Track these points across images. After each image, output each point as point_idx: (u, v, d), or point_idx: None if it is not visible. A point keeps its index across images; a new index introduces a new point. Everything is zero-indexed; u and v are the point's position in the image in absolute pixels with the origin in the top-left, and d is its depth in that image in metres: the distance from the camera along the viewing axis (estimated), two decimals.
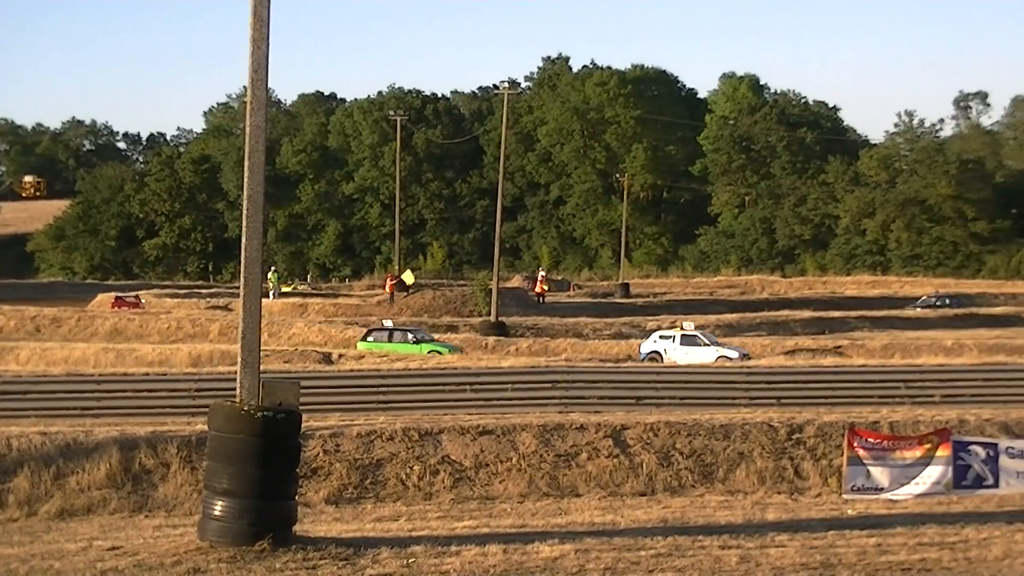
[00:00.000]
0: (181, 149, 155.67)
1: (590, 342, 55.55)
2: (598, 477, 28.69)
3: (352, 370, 42.06)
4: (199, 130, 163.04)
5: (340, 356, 48.62)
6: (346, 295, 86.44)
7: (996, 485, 27.59)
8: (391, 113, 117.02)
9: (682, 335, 51.45)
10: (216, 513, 18.57)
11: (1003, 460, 27.68)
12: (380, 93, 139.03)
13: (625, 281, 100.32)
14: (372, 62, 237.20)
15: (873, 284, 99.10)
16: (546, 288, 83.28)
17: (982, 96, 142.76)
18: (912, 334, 60.09)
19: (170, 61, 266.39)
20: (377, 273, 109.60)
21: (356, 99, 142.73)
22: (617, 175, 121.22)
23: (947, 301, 79.75)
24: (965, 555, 21.15)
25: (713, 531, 22.87)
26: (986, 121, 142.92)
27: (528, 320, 65.66)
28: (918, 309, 77.08)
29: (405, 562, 19.02)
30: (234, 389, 19.30)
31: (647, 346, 51.61)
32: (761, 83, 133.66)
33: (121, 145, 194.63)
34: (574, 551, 20.31)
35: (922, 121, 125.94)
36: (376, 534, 22.23)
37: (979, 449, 27.83)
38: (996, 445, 28.07)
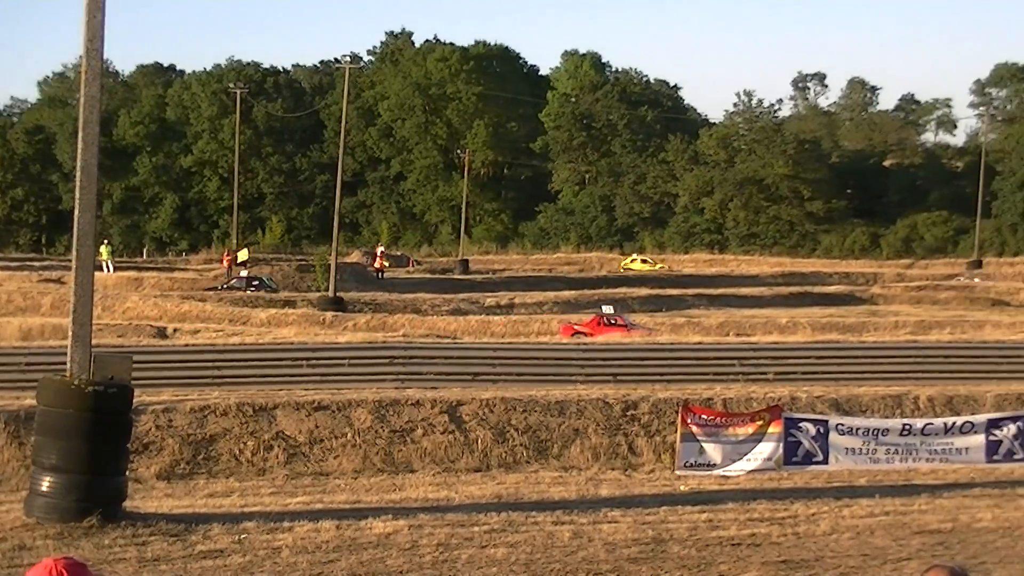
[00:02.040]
0: (14, 119, 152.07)
1: (428, 318, 55.40)
2: (433, 453, 28.60)
3: (187, 345, 41.49)
4: (33, 100, 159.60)
5: (175, 331, 47.95)
6: (183, 269, 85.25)
7: (825, 461, 28.00)
8: (231, 86, 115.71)
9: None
10: (43, 489, 18.21)
11: (833, 437, 28.09)
12: (219, 65, 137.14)
13: (464, 257, 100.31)
14: (212, 34, 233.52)
15: (710, 262, 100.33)
16: (385, 264, 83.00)
17: (820, 77, 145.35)
18: (748, 312, 60.88)
19: (2, 29, 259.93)
20: (215, 247, 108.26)
21: (195, 71, 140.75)
22: (458, 151, 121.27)
23: None
24: (794, 530, 21.42)
25: (547, 507, 22.92)
26: (823, 102, 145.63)
27: (367, 296, 65.29)
28: None
29: (237, 538, 18.78)
30: (65, 364, 18.90)
31: None
32: (603, 61, 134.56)
33: None
34: (408, 527, 20.22)
35: (761, 101, 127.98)
36: (208, 510, 21.93)
37: (810, 426, 28.21)
38: (826, 422, 28.48)
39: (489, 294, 67.29)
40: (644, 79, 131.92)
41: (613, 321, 50.09)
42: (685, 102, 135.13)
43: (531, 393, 31.14)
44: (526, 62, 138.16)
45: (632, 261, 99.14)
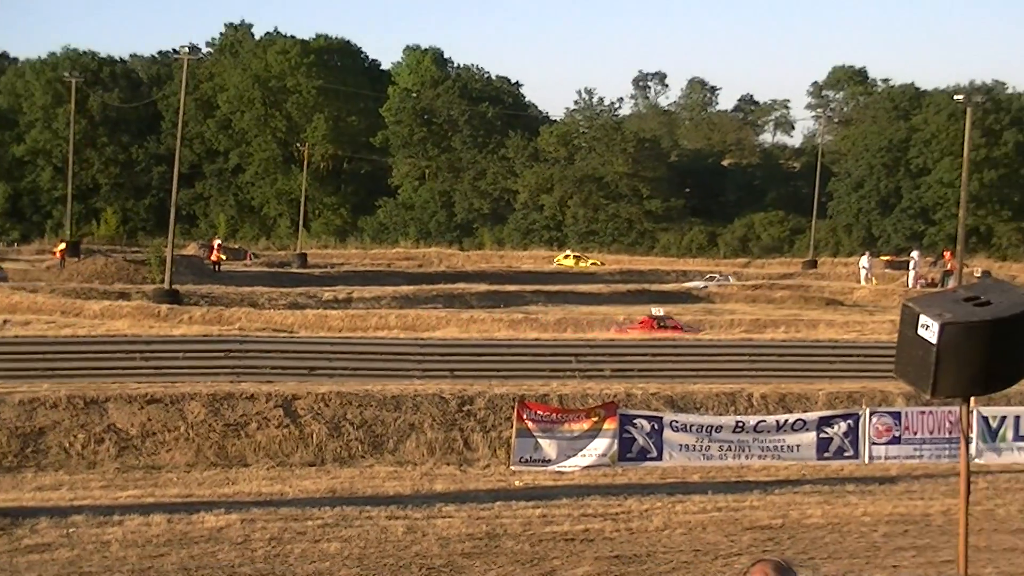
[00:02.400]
0: None
1: (265, 312, 54.74)
2: (267, 447, 28.28)
3: (17, 336, 40.40)
4: None
5: (5, 322, 46.75)
6: (14, 259, 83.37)
7: (659, 458, 28.21)
8: (66, 75, 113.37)
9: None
10: None
11: (667, 433, 28.32)
12: (55, 54, 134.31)
13: (303, 251, 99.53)
14: (46, 21, 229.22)
15: (549, 259, 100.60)
16: (222, 256, 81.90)
17: (660, 77, 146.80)
18: (585, 309, 61.11)
19: None
20: (48, 238, 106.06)
21: (28, 59, 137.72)
22: (297, 144, 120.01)
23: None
24: (627, 526, 21.49)
25: (381, 502, 22.78)
26: (663, 101, 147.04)
27: (203, 288, 64.37)
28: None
29: (65, 532, 18.37)
30: None
31: None
32: (445, 57, 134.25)
33: None
34: (240, 521, 19.97)
35: (601, 100, 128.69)
36: (36, 504, 21.49)
37: (644, 422, 28.40)
38: (661, 419, 28.70)
39: (327, 288, 66.68)
40: (485, 76, 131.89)
41: (665, 323, 49.68)
42: (526, 99, 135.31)
43: (367, 388, 30.91)
44: (367, 56, 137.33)
45: (565, 257, 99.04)
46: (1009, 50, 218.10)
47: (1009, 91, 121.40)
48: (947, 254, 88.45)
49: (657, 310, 53.37)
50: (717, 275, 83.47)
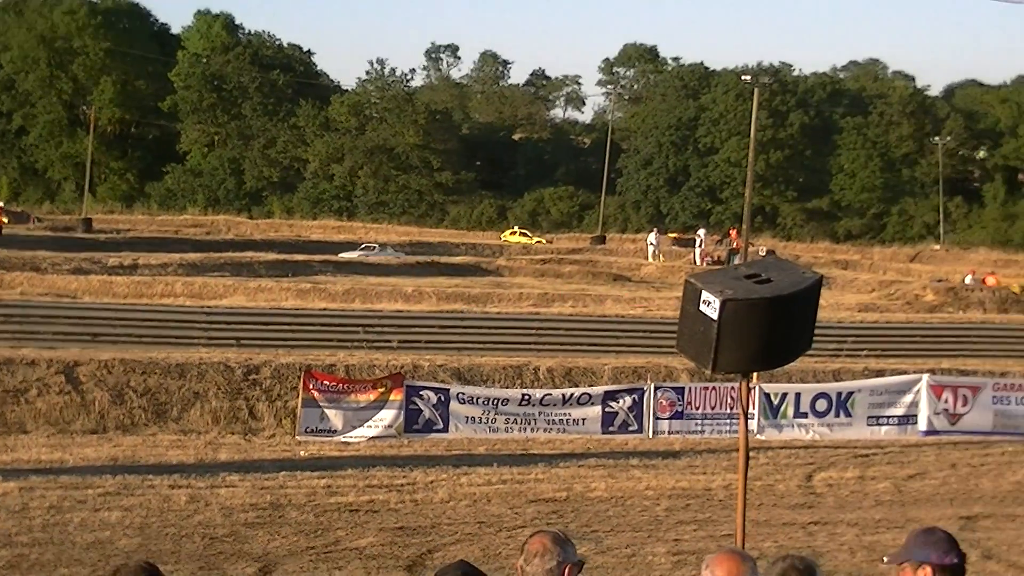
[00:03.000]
0: None
1: (48, 276, 53.43)
2: (48, 414, 27.63)
3: None
4: None
5: None
6: None
7: (446, 429, 28.27)
8: None
9: None
10: None
11: (453, 405, 28.38)
12: None
13: (88, 216, 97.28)
14: None
15: (339, 229, 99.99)
16: (4, 220, 79.70)
17: (453, 49, 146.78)
18: (374, 280, 60.89)
19: None
20: None
21: None
22: (84, 107, 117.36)
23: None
24: (412, 497, 21.50)
25: (164, 470, 22.46)
26: (456, 74, 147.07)
27: None
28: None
29: None
30: None
31: None
32: (236, 23, 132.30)
33: None
34: (18, 489, 19.54)
35: (393, 70, 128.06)
36: None
37: (431, 394, 28.43)
38: (447, 390, 28.75)
39: (112, 254, 65.30)
40: (277, 43, 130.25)
41: None
42: (318, 68, 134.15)
43: (151, 355, 30.39)
44: (157, 20, 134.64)
45: (512, 234, 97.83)
46: (796, 33, 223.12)
47: (796, 73, 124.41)
48: (733, 232, 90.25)
49: None
50: (376, 245, 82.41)
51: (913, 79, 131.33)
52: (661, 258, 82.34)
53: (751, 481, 23.78)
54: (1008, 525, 21.49)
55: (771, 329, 7.94)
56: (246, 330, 36.83)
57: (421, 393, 28.49)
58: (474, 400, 28.77)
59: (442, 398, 28.50)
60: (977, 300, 55.84)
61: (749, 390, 9.54)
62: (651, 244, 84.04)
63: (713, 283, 7.95)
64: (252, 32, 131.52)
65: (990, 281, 65.11)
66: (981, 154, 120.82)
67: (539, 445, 28.15)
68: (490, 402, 28.83)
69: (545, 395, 29.47)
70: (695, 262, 78.79)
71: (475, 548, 18.54)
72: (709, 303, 7.82)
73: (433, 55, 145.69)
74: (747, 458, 7.75)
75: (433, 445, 27.63)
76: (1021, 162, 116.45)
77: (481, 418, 28.65)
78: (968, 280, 65.27)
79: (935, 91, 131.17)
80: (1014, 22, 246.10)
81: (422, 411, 28.28)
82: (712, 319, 7.79)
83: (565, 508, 21.59)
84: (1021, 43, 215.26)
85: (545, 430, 28.95)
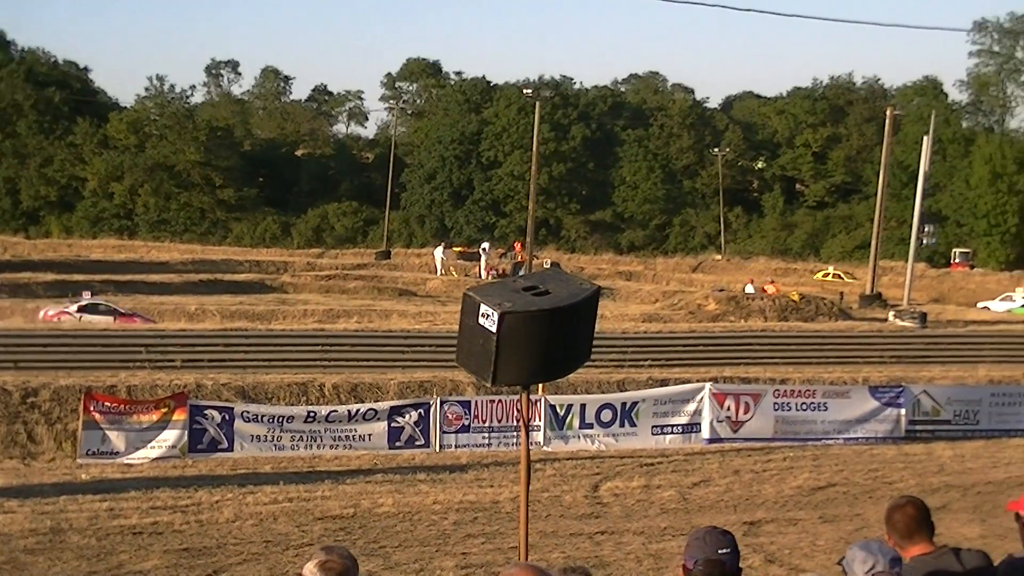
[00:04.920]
0: None
1: None
2: None
3: None
4: None
5: None
6: None
7: (231, 448, 27.94)
8: None
9: None
10: None
11: (238, 424, 28.07)
12: None
13: None
14: None
15: (120, 248, 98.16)
16: None
17: (234, 65, 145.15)
18: (157, 299, 60.01)
19: None
20: None
21: None
22: None
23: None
24: (197, 518, 21.18)
25: None
26: (237, 90, 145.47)
27: None
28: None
29: None
30: None
31: None
32: (8, 39, 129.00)
33: None
34: None
35: (173, 87, 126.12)
36: None
37: (215, 413, 28.08)
38: (232, 409, 28.43)
39: None
40: (52, 60, 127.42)
41: None
42: (95, 85, 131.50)
43: None
44: None
45: (825, 275, 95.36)
46: (577, 47, 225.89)
47: (577, 87, 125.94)
48: (517, 245, 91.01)
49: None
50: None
51: (692, 91, 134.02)
52: (453, 272, 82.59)
53: (538, 492, 24.00)
54: (790, 529, 21.95)
55: (550, 341, 7.97)
56: (24, 352, 35.88)
57: (205, 412, 28.10)
58: (259, 418, 28.47)
59: (226, 417, 28.15)
60: (758, 308, 57.06)
61: (531, 402, 9.57)
62: (437, 258, 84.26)
63: (492, 296, 7.96)
64: (26, 49, 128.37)
65: (770, 289, 66.68)
66: (759, 165, 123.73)
67: (325, 462, 27.96)
68: (275, 420, 28.57)
69: (331, 412, 29.29)
70: (480, 275, 79.18)
71: (261, 568, 18.33)
72: (488, 316, 7.82)
73: (213, 71, 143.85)
74: (529, 470, 7.77)
75: (218, 464, 27.25)
76: (798, 172, 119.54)
77: (266, 436, 28.37)
78: (748, 289, 66.72)
79: (714, 103, 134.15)
80: (789, 35, 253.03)
81: (206, 430, 27.90)
82: (491, 332, 7.79)
83: (352, 525, 21.45)
84: (796, 56, 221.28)
85: (331, 447, 28.78)
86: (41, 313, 49.72)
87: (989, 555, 6.68)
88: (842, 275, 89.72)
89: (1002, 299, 74.82)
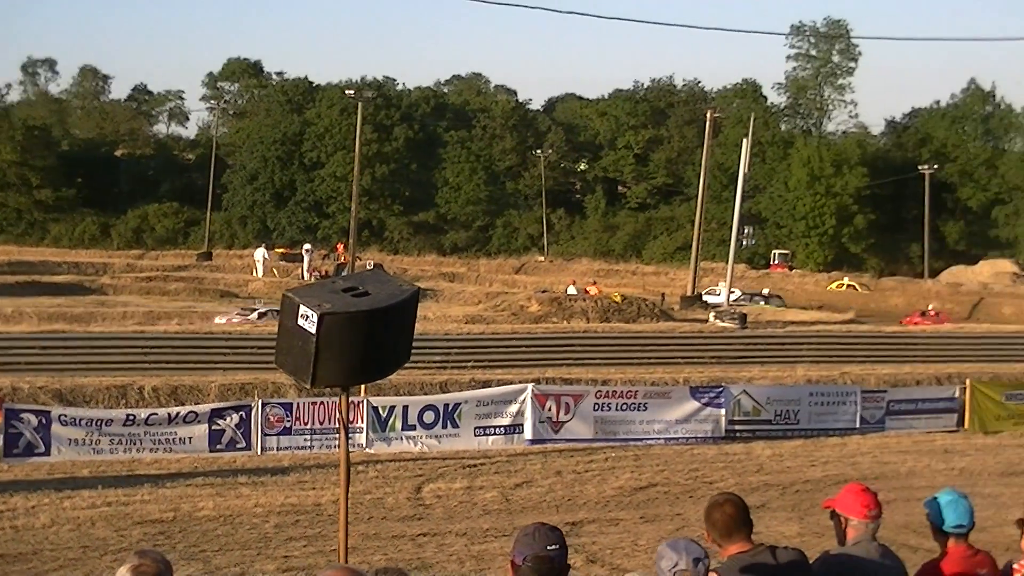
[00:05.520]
0: None
1: None
2: None
3: None
4: None
5: None
6: None
7: (48, 453, 27.42)
8: None
9: None
10: None
11: (55, 428, 27.56)
12: None
13: None
14: None
15: None
16: None
17: (51, 63, 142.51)
18: None
19: None
20: None
21: None
22: None
23: None
24: (12, 524, 20.80)
25: None
26: (54, 89, 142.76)
27: None
28: None
29: None
30: None
31: None
32: None
33: None
34: None
35: None
36: None
37: (31, 417, 27.53)
38: (49, 412, 27.91)
39: None
40: None
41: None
42: None
43: None
44: None
45: (839, 286, 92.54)
46: (399, 48, 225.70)
47: (400, 87, 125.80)
48: (340, 247, 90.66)
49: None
50: None
51: (515, 93, 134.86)
52: (276, 272, 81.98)
53: (360, 495, 23.97)
54: (611, 529, 22.20)
55: (369, 342, 7.98)
56: None
57: (21, 416, 27.51)
58: (77, 422, 27.97)
59: (43, 420, 27.60)
60: (580, 310, 57.55)
61: (350, 404, 9.58)
62: (259, 260, 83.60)
63: (311, 297, 7.95)
64: None
65: (592, 291, 67.29)
66: (582, 166, 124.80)
67: (145, 465, 27.57)
68: (94, 423, 28.08)
69: (151, 414, 28.90)
70: (303, 277, 78.73)
71: (78, 573, 18.06)
72: (307, 317, 7.81)
73: (30, 69, 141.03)
74: (349, 472, 7.77)
75: (35, 469, 26.71)
76: (620, 174, 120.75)
77: (85, 440, 27.87)
78: (571, 290, 67.28)
79: (536, 105, 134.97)
80: (610, 37, 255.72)
81: (22, 434, 27.32)
82: (311, 333, 7.78)
83: (172, 529, 21.22)
84: (617, 58, 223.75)
85: (151, 450, 28.38)
86: None
87: (804, 552, 6.84)
88: (856, 286, 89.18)
89: (707, 293, 75.87)
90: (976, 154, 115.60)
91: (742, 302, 71.82)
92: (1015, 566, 7.01)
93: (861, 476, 27.32)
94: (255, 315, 52.84)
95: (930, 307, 75.58)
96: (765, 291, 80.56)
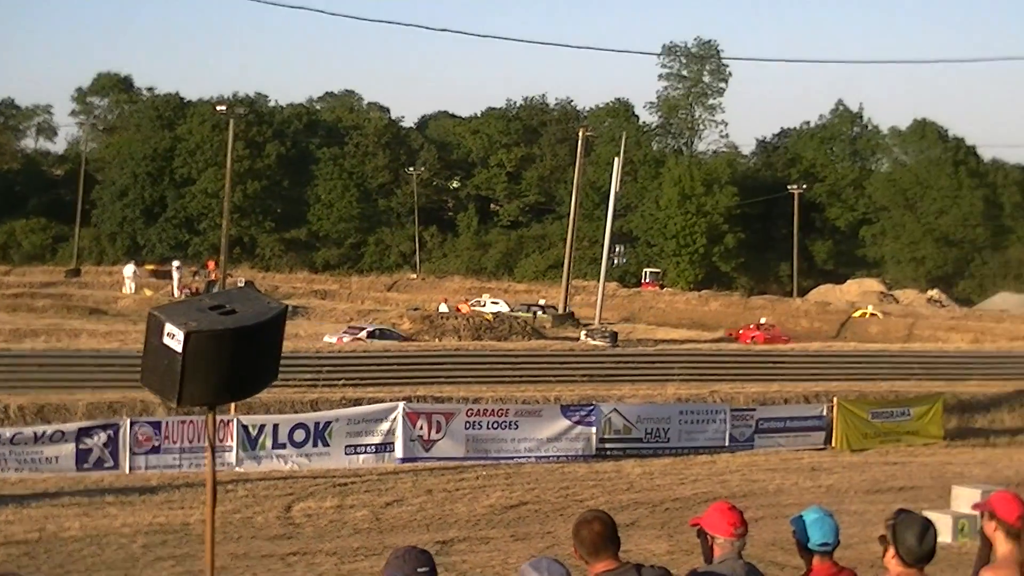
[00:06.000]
0: None
1: None
2: None
3: None
4: None
5: None
6: None
7: None
8: None
9: None
10: None
11: None
12: None
13: None
14: None
15: None
16: None
17: None
18: None
19: None
20: None
21: None
22: None
23: None
24: None
25: None
26: None
27: None
28: None
29: None
30: None
31: None
32: None
33: None
34: None
35: None
36: None
37: None
38: None
39: None
40: None
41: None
42: None
43: None
44: None
45: (863, 315, 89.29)
46: (271, 64, 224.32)
47: (272, 104, 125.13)
48: (211, 264, 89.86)
49: None
50: None
51: (388, 110, 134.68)
52: (147, 291, 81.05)
53: (229, 514, 23.76)
54: (482, 548, 22.23)
55: (236, 360, 7.94)
56: None
57: None
58: None
59: None
60: (452, 327, 57.60)
61: (219, 422, 9.52)
62: (128, 276, 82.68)
63: (177, 315, 7.88)
64: None
65: (464, 308, 67.42)
66: (454, 184, 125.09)
67: (10, 485, 27.08)
68: None
69: (15, 434, 28.41)
70: (173, 294, 77.97)
71: None
72: (173, 336, 7.74)
73: None
74: (215, 491, 7.72)
75: None
76: (492, 192, 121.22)
77: None
78: (443, 308, 67.35)
79: (409, 122, 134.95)
80: (484, 55, 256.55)
81: None
82: (176, 352, 7.71)
83: (37, 549, 20.87)
84: (491, 76, 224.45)
85: (16, 470, 27.90)
86: None
87: (670, 571, 6.91)
88: (879, 314, 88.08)
89: (473, 304, 77.19)
90: (844, 174, 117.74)
91: (517, 312, 72.81)
92: None
93: (730, 494, 27.62)
94: (364, 333, 54.27)
95: (763, 320, 76.84)
96: (541, 301, 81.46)
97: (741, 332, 70.40)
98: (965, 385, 45.80)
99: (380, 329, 55.50)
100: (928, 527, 6.94)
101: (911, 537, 6.90)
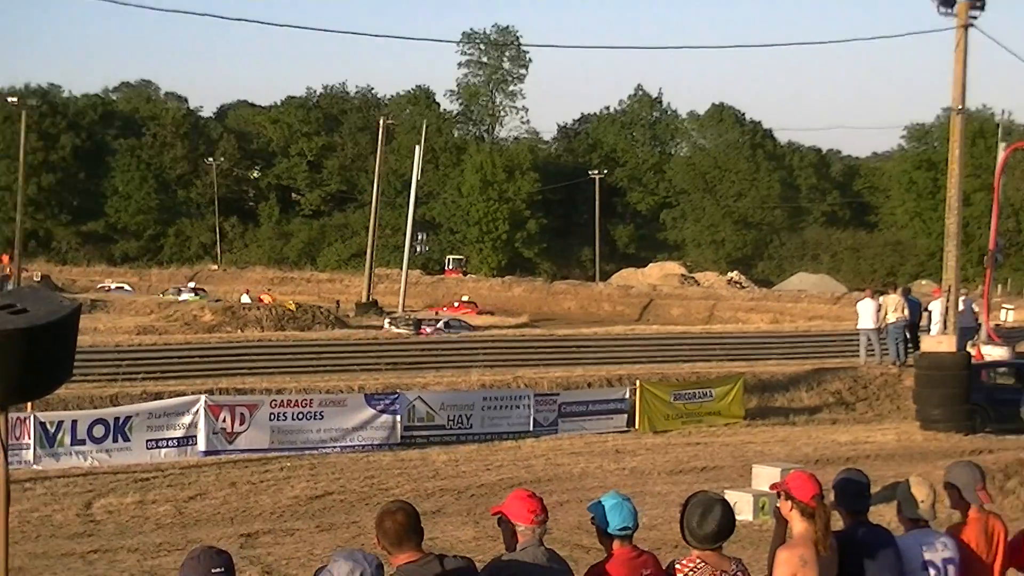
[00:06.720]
0: None
1: None
2: None
3: None
4: None
5: None
6: None
7: None
8: None
9: None
10: None
11: None
12: None
13: None
14: None
15: None
16: None
17: None
18: None
19: None
20: None
21: None
22: None
23: None
24: None
25: None
26: None
27: None
28: None
29: None
30: None
31: None
32: None
33: None
34: None
35: None
36: None
37: None
38: None
39: None
40: None
41: None
42: None
43: None
44: None
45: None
46: (64, 53, 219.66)
47: (66, 95, 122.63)
48: (5, 258, 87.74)
49: None
50: None
51: (186, 100, 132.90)
52: None
53: (27, 513, 23.24)
54: (287, 540, 22.05)
55: (28, 360, 7.77)
56: None
57: None
58: None
59: None
60: (255, 318, 57.11)
61: (9, 421, 9.29)
62: None
63: None
64: None
65: (266, 299, 66.86)
66: (255, 174, 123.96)
67: None
68: None
69: None
70: None
71: None
72: None
73: None
74: (8, 492, 7.54)
75: None
76: (293, 181, 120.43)
77: None
78: (245, 299, 66.70)
79: (208, 112, 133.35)
80: (281, 44, 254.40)
81: None
82: None
83: None
84: (289, 65, 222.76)
85: None
86: None
87: (473, 560, 6.96)
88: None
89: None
90: (644, 159, 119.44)
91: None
92: (678, 565, 7.29)
93: (535, 479, 27.80)
94: (441, 324, 57.83)
95: (464, 298, 78.66)
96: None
97: (446, 309, 72.93)
98: (765, 365, 46.57)
99: (453, 320, 58.76)
100: (711, 508, 7.14)
101: (693, 519, 7.12)
